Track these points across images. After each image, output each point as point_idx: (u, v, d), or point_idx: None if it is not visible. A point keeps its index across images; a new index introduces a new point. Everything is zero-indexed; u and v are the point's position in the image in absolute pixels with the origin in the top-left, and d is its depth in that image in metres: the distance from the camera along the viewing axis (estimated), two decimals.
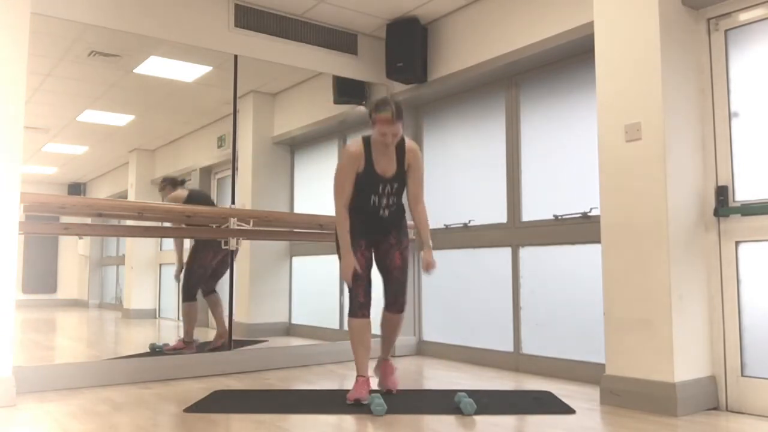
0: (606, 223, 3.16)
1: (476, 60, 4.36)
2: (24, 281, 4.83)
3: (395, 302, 3.32)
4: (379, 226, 3.31)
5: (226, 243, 4.17)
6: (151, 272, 5.35)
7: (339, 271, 3.31)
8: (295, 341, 5.06)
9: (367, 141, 3.21)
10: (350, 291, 3.21)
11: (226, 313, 4.36)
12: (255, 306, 5.24)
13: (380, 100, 3.17)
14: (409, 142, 3.30)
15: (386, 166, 3.22)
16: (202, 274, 4.59)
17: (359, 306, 3.17)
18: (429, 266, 3.19)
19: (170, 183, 4.69)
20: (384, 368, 3.37)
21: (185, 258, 4.69)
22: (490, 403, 3.08)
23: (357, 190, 3.23)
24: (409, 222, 3.52)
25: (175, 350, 4.37)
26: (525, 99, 4.28)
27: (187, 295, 4.60)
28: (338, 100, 5.11)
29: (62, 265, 5.23)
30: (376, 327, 3.26)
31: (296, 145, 5.55)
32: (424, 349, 4.85)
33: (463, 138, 4.73)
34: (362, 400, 3.04)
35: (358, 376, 3.15)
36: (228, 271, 4.37)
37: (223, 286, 4.70)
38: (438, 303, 4.80)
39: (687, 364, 2.90)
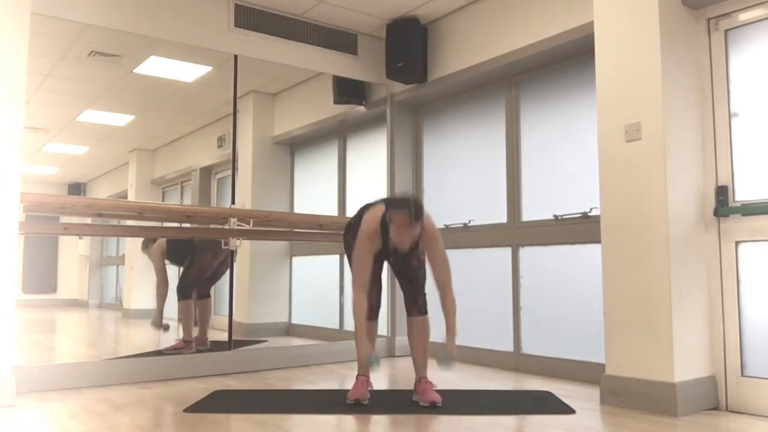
0: (606, 223, 3.16)
1: (476, 60, 4.36)
2: (24, 281, 4.83)
3: (415, 303, 3.23)
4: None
5: (227, 243, 4.17)
6: (151, 272, 5.35)
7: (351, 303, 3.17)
8: (295, 341, 5.06)
9: (384, 222, 3.05)
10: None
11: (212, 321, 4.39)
12: (255, 306, 5.24)
13: (399, 200, 2.96)
14: (426, 221, 3.06)
15: (401, 244, 3.01)
16: (199, 277, 4.58)
17: (367, 308, 3.12)
18: (451, 352, 3.02)
19: (150, 240, 4.69)
20: (422, 386, 3.12)
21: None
22: (490, 403, 3.08)
23: None
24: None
25: (175, 350, 4.36)
26: (525, 99, 4.28)
27: (182, 293, 4.59)
28: (338, 100, 5.11)
29: (62, 265, 5.23)
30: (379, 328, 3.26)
31: (296, 145, 5.55)
32: None
33: (463, 138, 4.73)
34: (362, 400, 3.04)
35: (358, 375, 3.16)
36: (227, 271, 4.37)
37: (223, 286, 4.70)
38: (438, 303, 4.79)
39: (687, 364, 2.90)
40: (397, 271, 3.29)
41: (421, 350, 3.21)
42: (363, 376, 3.15)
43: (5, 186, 3.09)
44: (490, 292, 4.39)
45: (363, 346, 3.07)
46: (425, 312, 3.25)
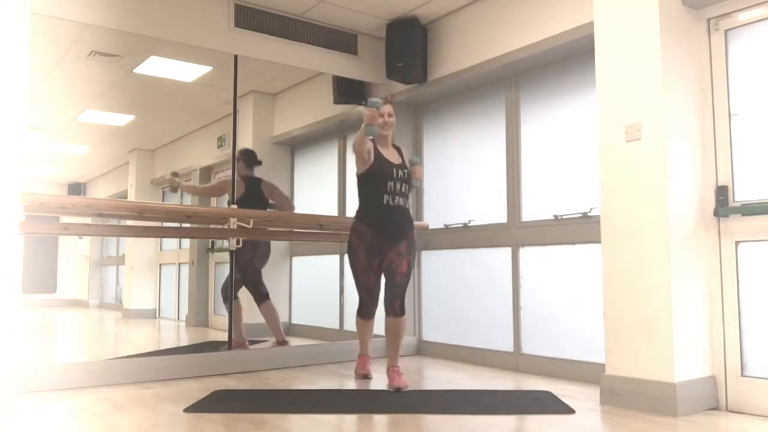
0: (606, 223, 3.16)
1: (476, 60, 4.36)
2: (24, 281, 4.84)
3: (393, 306, 3.58)
4: (392, 226, 3.54)
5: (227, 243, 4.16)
6: (151, 272, 5.35)
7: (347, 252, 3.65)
8: (295, 341, 5.06)
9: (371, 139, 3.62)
10: (360, 297, 3.67)
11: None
12: (255, 306, 5.23)
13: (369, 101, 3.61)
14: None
15: (390, 156, 3.61)
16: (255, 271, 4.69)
17: (368, 312, 3.71)
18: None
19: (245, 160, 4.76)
20: (391, 374, 3.52)
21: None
22: (490, 403, 3.08)
23: (369, 183, 3.54)
24: (421, 223, 3.86)
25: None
26: (525, 99, 4.28)
27: (262, 295, 4.70)
28: (338, 100, 5.11)
29: (62, 265, 5.23)
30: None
31: (296, 145, 5.55)
32: (424, 349, 4.85)
33: (463, 138, 4.73)
34: (368, 375, 3.73)
35: (360, 355, 3.81)
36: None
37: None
38: (438, 303, 4.80)
39: (687, 364, 2.90)
40: (387, 271, 3.57)
41: (394, 345, 3.61)
42: (364, 355, 3.79)
43: (5, 186, 3.09)
44: (490, 292, 4.39)
45: (364, 332, 3.79)
46: (401, 314, 3.59)
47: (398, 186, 3.55)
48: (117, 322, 5.24)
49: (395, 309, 3.56)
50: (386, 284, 3.60)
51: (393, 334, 3.59)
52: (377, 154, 3.56)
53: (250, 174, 4.71)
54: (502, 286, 4.29)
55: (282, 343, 4.64)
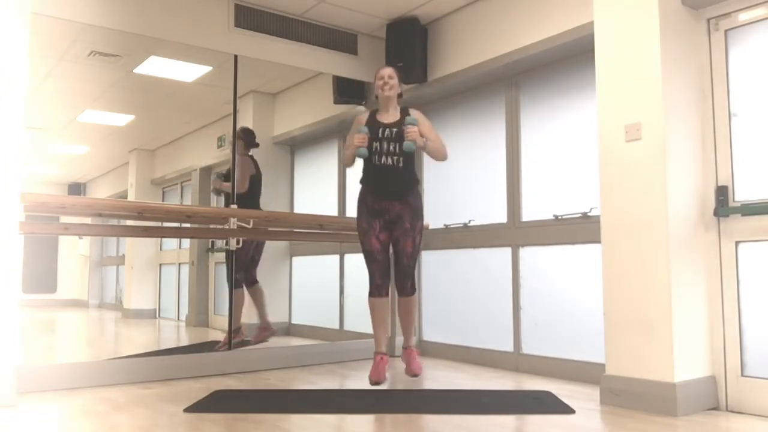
0: (606, 223, 3.16)
1: (476, 60, 4.36)
2: (24, 281, 4.83)
3: (404, 287, 3.64)
4: (389, 187, 3.53)
5: (227, 243, 4.17)
6: (151, 272, 5.35)
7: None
8: (295, 341, 5.07)
9: (374, 109, 3.72)
10: (368, 273, 3.57)
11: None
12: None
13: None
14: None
15: (384, 117, 3.61)
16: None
17: (376, 287, 3.56)
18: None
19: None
20: (406, 355, 3.70)
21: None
22: (490, 403, 3.08)
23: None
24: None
25: (262, 341, 4.58)
26: (525, 99, 4.28)
27: (253, 280, 4.73)
28: (338, 100, 5.11)
29: (62, 265, 5.23)
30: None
31: (296, 145, 5.55)
32: (424, 349, 4.85)
33: (463, 138, 4.73)
34: (380, 382, 3.42)
35: (375, 353, 3.57)
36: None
37: (222, 285, 4.70)
38: (438, 303, 4.80)
39: (687, 364, 2.90)
40: (395, 251, 3.63)
41: (408, 324, 3.71)
42: (379, 353, 3.53)
43: (5, 186, 3.09)
44: (490, 292, 4.39)
45: (376, 318, 3.56)
46: (412, 293, 3.66)
47: (384, 145, 3.51)
48: (117, 322, 5.24)
49: (406, 289, 3.64)
50: (395, 266, 3.65)
51: (404, 312, 3.70)
52: (371, 119, 3.63)
53: (247, 154, 4.72)
54: (502, 286, 4.29)
55: (265, 329, 4.64)
